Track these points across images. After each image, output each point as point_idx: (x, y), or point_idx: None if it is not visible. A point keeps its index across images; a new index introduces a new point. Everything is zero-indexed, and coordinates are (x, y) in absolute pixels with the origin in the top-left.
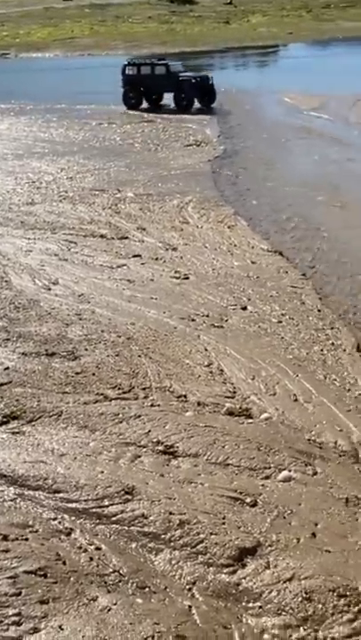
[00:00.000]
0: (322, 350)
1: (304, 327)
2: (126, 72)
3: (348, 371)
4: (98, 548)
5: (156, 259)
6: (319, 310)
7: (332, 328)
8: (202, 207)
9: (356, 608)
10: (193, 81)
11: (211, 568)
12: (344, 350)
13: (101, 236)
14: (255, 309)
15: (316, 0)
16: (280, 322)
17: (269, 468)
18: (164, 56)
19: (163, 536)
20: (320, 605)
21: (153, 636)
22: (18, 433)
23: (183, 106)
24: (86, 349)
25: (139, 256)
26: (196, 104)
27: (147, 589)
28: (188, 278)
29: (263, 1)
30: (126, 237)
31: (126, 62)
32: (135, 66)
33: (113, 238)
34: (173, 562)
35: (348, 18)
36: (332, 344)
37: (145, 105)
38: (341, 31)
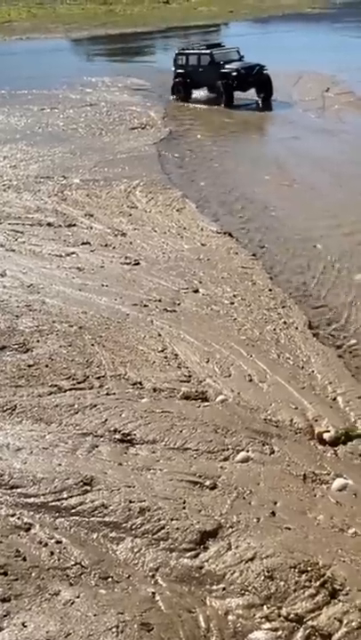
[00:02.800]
0: (274, 329)
1: (256, 307)
2: (177, 62)
3: (301, 348)
4: (58, 542)
5: (106, 245)
6: (270, 290)
7: (283, 307)
8: (149, 191)
9: (318, 582)
10: (234, 74)
11: (173, 553)
12: (296, 328)
13: (49, 225)
14: (207, 292)
15: None
16: (232, 303)
17: (227, 449)
18: (218, 42)
19: (124, 525)
20: (282, 582)
21: (118, 626)
22: None
23: (221, 101)
24: (38, 341)
25: (88, 243)
26: (247, 96)
27: (110, 579)
28: (138, 264)
29: None
30: (74, 225)
31: (177, 51)
32: (184, 55)
33: (61, 226)
34: (135, 550)
35: None
36: (285, 323)
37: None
38: (282, 8)
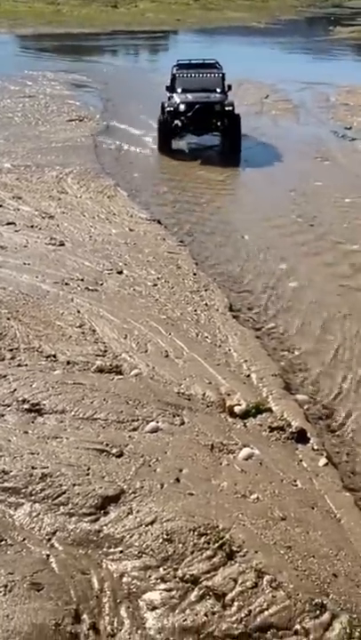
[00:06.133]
0: (195, 310)
1: (179, 289)
2: None
3: (220, 329)
4: None
5: (32, 226)
6: (195, 274)
7: (206, 290)
8: (82, 178)
9: (216, 545)
10: (169, 109)
11: (72, 518)
12: (217, 310)
13: None
14: (131, 273)
15: None
16: (155, 285)
17: (137, 420)
18: (213, 60)
19: (23, 490)
20: (180, 545)
21: (6, 586)
22: None
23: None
24: None
25: (13, 223)
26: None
27: (3, 543)
28: (63, 245)
29: None
30: (0, 205)
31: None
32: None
33: None
34: (34, 514)
35: (233, 8)
36: (206, 304)
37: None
38: (227, 20)
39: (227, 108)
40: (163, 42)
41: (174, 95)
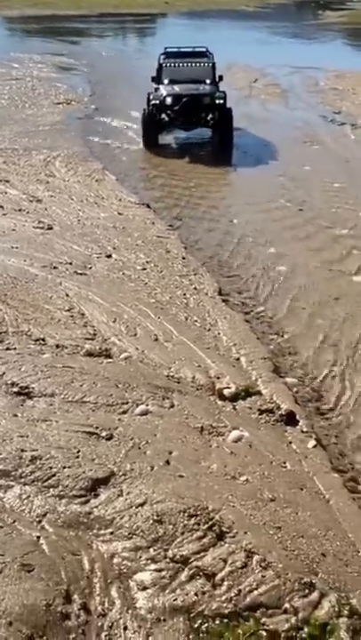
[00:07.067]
0: (184, 294)
1: (168, 273)
2: None
3: (210, 313)
4: None
5: (19, 210)
6: (184, 258)
7: (195, 274)
8: (69, 162)
9: (206, 526)
10: (155, 102)
11: (62, 500)
12: (206, 294)
13: None
14: (120, 257)
15: None
16: (144, 269)
17: (127, 403)
18: (203, 48)
19: (13, 473)
20: (170, 526)
21: None
22: None
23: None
24: None
25: (0, 207)
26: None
27: None
28: (51, 228)
29: None
30: None
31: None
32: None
33: None
34: (24, 497)
35: None
36: (195, 288)
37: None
38: (216, 4)
39: (217, 101)
40: (151, 25)
41: (160, 87)
